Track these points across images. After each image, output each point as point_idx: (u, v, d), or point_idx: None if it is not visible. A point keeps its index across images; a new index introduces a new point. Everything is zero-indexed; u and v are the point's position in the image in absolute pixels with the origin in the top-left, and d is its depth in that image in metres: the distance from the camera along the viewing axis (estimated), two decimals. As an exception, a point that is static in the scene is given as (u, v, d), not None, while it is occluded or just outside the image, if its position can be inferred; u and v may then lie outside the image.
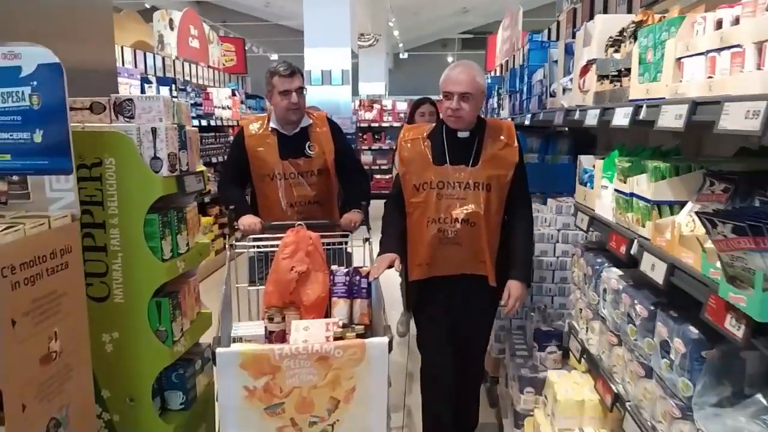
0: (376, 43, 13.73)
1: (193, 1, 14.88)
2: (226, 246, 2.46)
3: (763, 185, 1.28)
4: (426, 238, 2.21)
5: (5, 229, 1.21)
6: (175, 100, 1.85)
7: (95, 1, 2.45)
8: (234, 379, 1.60)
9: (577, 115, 2.09)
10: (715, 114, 1.09)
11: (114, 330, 1.74)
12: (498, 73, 6.31)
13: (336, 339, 1.76)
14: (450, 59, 19.09)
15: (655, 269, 1.39)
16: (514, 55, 5.08)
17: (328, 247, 2.36)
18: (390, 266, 2.16)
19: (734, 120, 1.03)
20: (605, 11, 2.89)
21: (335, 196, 2.88)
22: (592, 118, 1.87)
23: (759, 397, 1.11)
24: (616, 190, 1.71)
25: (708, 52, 1.24)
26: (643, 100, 1.52)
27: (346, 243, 2.50)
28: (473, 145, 2.22)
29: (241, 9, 15.82)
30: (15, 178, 1.42)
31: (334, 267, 2.26)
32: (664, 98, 1.41)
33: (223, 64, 8.40)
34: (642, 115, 1.48)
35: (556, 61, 2.74)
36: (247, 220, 2.55)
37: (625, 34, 1.77)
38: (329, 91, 8.26)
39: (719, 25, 1.26)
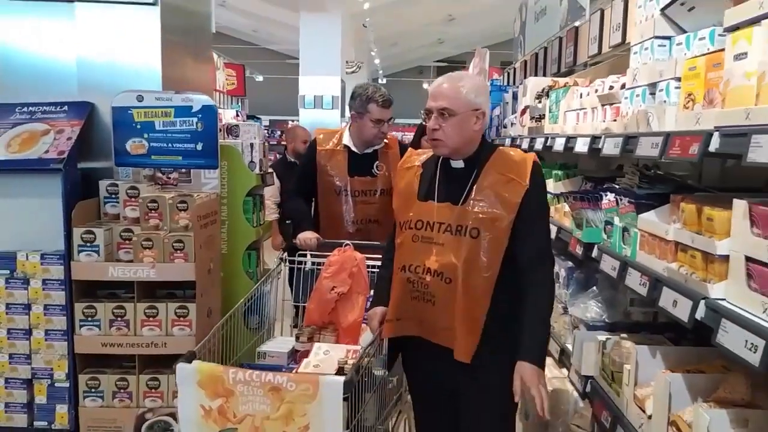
0: (359, 70, 14.92)
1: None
2: (276, 260, 2.42)
3: (609, 182, 2.34)
4: (395, 289, 1.83)
5: (197, 195, 2.20)
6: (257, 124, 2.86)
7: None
8: (192, 396, 1.57)
9: (518, 142, 3.16)
10: (573, 143, 2.16)
11: (221, 270, 2.69)
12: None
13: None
14: (425, 85, 20.40)
15: (556, 233, 2.43)
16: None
17: (374, 270, 2.15)
18: (382, 321, 1.86)
19: (580, 147, 2.09)
20: (544, 69, 3.99)
21: None
22: (525, 144, 2.94)
23: (594, 288, 2.16)
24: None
25: (577, 109, 2.31)
26: (549, 134, 2.59)
27: None
28: (470, 178, 1.76)
29: (230, 33, 16.79)
30: (183, 170, 2.40)
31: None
32: (557, 134, 2.47)
33: (225, 88, 9.38)
34: (548, 143, 2.54)
35: (508, 102, 3.84)
36: (305, 235, 2.55)
37: (543, 92, 2.85)
38: (321, 114, 9.32)
39: (586, 94, 2.33)
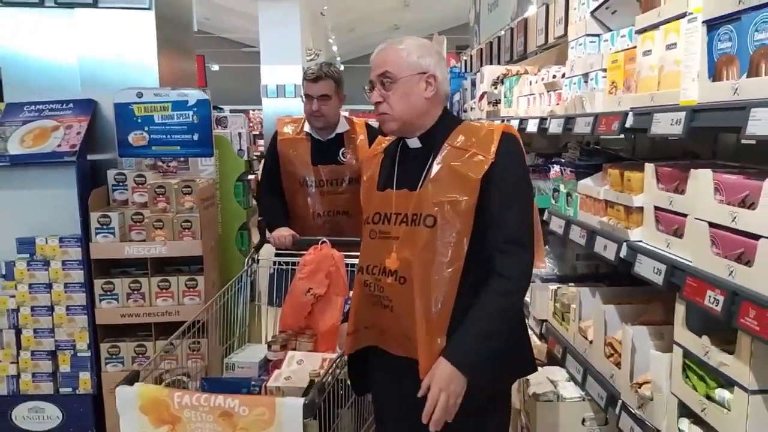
0: (317, 57, 15.06)
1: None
2: (245, 261, 2.24)
3: (556, 156, 2.72)
4: (354, 295, 1.61)
5: (198, 180, 2.48)
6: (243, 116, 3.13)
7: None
8: (134, 423, 1.42)
9: (477, 124, 3.52)
10: (525, 124, 2.52)
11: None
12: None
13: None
14: (383, 71, 20.61)
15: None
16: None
17: (354, 268, 1.86)
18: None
19: (531, 127, 2.45)
20: (498, 57, 4.36)
21: None
22: (484, 126, 3.30)
23: (546, 247, 2.54)
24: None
25: (528, 95, 2.67)
26: (505, 117, 2.95)
27: None
28: (428, 158, 1.51)
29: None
30: (181, 159, 2.66)
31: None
32: (512, 116, 2.83)
33: (187, 79, 9.45)
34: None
35: (467, 89, 4.20)
36: (279, 232, 2.40)
37: (498, 79, 3.21)
38: (284, 102, 9.52)
39: (534, 82, 2.69)
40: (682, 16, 1.35)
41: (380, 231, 1.53)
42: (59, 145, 2.39)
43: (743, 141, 1.67)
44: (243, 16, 12.11)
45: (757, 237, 1.09)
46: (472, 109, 3.86)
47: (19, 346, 2.41)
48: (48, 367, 2.42)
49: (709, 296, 1.19)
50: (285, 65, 9.54)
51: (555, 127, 2.14)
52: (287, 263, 2.23)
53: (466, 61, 5.86)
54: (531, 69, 3.08)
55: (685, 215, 1.36)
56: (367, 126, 2.75)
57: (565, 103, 2.11)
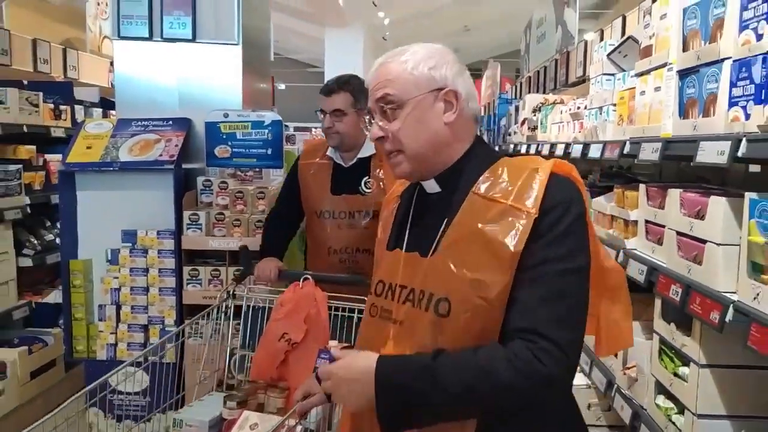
0: (377, 79, 15.71)
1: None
2: (219, 295, 1.96)
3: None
4: None
5: (269, 188, 2.93)
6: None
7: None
8: None
9: (519, 147, 3.86)
10: (555, 149, 2.85)
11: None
12: (481, 113, 8.19)
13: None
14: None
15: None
16: (489, 102, 6.92)
17: (339, 312, 1.78)
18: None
19: (559, 151, 2.77)
20: (544, 86, 4.68)
21: None
22: (524, 149, 3.64)
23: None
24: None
25: (558, 123, 2.99)
26: (540, 141, 3.28)
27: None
28: (447, 209, 1.09)
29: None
30: (257, 169, 3.13)
31: (332, 342, 1.55)
32: (546, 141, 3.16)
33: (256, 97, 10.18)
34: (539, 148, 3.23)
35: (512, 114, 4.54)
36: (263, 264, 2.16)
37: (537, 107, 3.54)
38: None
39: (565, 111, 3.02)
40: (664, 65, 1.68)
41: (381, 307, 1.12)
42: (160, 155, 2.89)
43: (750, 170, 1.97)
44: (310, 39, 12.85)
45: (705, 242, 1.40)
46: (514, 133, 4.20)
47: (118, 320, 2.91)
48: (140, 339, 2.91)
49: (672, 290, 1.51)
50: (347, 86, 10.13)
51: (576, 151, 2.47)
52: (265, 300, 1.93)
53: (515, 87, 6.19)
54: (567, 99, 3.41)
55: (663, 226, 1.67)
56: None
57: (585, 131, 2.44)
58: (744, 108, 1.24)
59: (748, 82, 1.22)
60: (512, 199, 1.03)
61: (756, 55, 1.20)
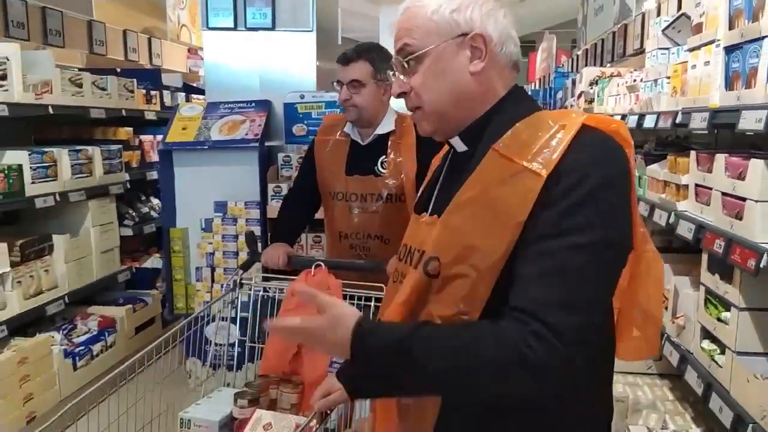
0: (431, 55, 15.77)
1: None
2: (225, 284, 1.86)
3: (638, 147, 3.16)
4: None
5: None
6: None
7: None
8: None
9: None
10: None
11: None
12: (536, 87, 8.19)
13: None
14: (495, 66, 20.89)
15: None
16: (545, 76, 6.97)
17: (355, 301, 1.70)
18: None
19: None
20: (601, 58, 4.76)
21: None
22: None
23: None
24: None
25: (615, 95, 3.13)
26: (598, 113, 3.42)
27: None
28: (468, 170, 0.97)
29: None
30: (330, 145, 3.43)
31: None
32: (602, 113, 3.31)
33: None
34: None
35: (568, 87, 4.65)
36: (271, 251, 2.05)
37: (594, 80, 3.67)
38: (400, 102, 10.25)
39: (621, 84, 3.15)
40: (713, 42, 1.84)
41: (401, 272, 1.06)
42: (246, 134, 3.23)
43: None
44: (365, 17, 13.02)
45: (745, 199, 1.59)
46: (571, 106, 4.32)
47: (212, 280, 3.29)
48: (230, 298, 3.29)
49: (716, 243, 1.70)
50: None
51: (632, 122, 2.63)
52: (275, 289, 1.83)
53: (572, 60, 6.23)
54: (624, 71, 3.52)
55: (710, 188, 1.85)
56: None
57: (640, 103, 2.60)
58: (780, 80, 1.41)
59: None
60: (529, 158, 0.89)
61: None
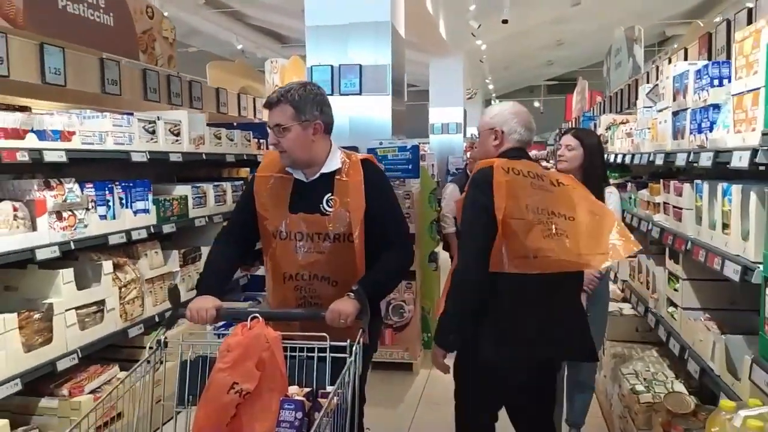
0: (474, 96, 16.91)
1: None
2: (147, 347, 1.51)
3: (635, 179, 4.10)
4: None
5: (412, 191, 4.30)
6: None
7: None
8: None
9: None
10: (617, 158, 3.97)
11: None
12: (572, 125, 9.16)
13: None
14: (536, 104, 21.89)
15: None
16: (578, 116, 7.93)
17: (297, 353, 1.65)
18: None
19: (619, 159, 3.89)
20: (621, 106, 5.71)
21: (360, 275, 2.01)
22: (598, 158, 4.76)
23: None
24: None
25: (620, 138, 4.09)
26: (610, 152, 4.37)
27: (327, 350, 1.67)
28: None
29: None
30: (401, 179, 4.51)
31: (292, 389, 1.55)
32: (614, 152, 4.26)
33: (370, 119, 11.78)
34: (610, 158, 4.34)
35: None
36: (197, 303, 1.89)
37: (609, 126, 4.63)
38: (447, 137, 11.41)
39: (625, 130, 4.11)
40: (667, 108, 2.81)
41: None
42: (340, 171, 4.34)
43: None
44: (416, 64, 14.31)
45: (681, 208, 2.54)
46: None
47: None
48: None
49: (669, 239, 2.63)
50: (448, 107, 11.47)
51: (627, 159, 3.59)
52: (206, 347, 1.77)
53: (599, 105, 7.19)
54: (632, 119, 4.48)
55: (668, 203, 2.80)
56: (364, 163, 2.12)
57: (633, 145, 3.56)
58: (694, 133, 2.38)
59: (695, 124, 2.36)
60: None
61: (684, 109, 2.34)
